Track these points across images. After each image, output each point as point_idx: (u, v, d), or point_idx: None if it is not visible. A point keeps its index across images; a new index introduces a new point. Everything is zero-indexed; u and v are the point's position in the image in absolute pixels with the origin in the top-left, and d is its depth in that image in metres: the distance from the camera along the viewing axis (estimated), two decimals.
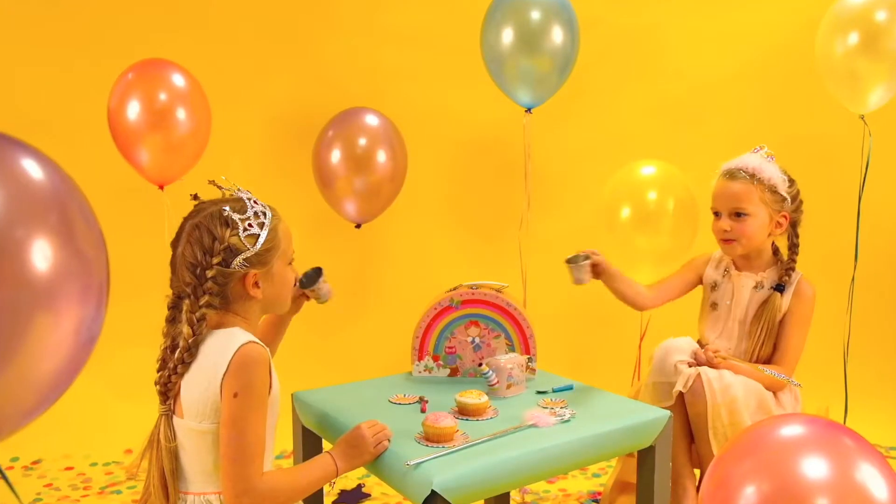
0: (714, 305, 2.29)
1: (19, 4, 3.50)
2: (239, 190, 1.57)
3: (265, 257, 1.53)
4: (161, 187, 3.00)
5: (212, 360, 1.46)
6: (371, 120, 3.21)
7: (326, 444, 1.97)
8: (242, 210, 1.52)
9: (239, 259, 1.50)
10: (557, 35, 2.91)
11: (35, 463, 3.23)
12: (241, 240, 1.50)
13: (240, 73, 3.61)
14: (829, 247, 3.27)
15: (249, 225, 1.51)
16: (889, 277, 3.72)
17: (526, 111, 3.06)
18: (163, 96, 2.87)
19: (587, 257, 2.11)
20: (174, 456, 1.51)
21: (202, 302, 1.48)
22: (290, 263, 1.62)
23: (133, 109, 2.84)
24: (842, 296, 3.03)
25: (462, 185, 3.82)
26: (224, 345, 1.46)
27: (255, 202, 1.55)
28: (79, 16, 3.51)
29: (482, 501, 2.39)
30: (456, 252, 3.76)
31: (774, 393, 2.13)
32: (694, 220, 2.83)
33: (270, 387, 1.50)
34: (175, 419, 1.51)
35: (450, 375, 2.15)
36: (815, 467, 0.94)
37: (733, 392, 2.00)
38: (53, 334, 1.08)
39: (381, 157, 3.16)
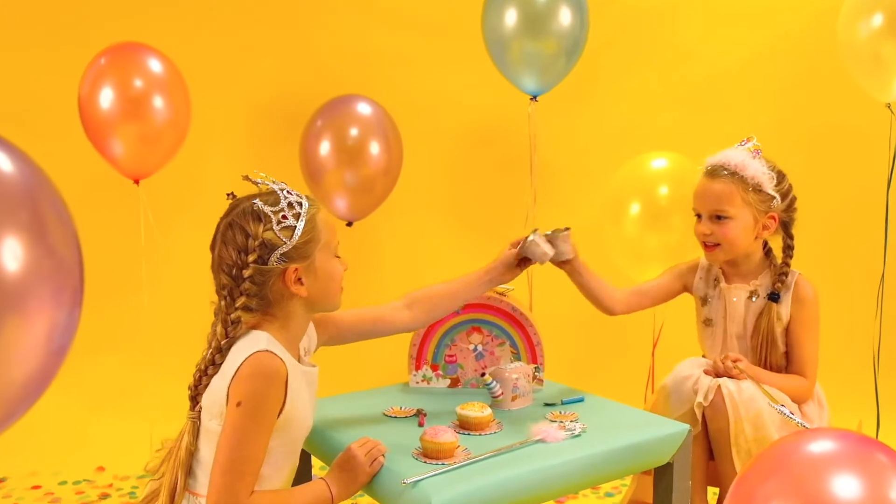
0: (708, 321, 2.26)
1: None
2: (273, 182, 1.58)
3: (305, 250, 1.54)
4: (136, 182, 3.00)
5: (231, 360, 1.50)
6: (363, 108, 3.21)
7: (315, 461, 1.98)
8: (275, 202, 1.54)
9: (276, 254, 1.52)
10: (565, 16, 2.91)
11: (0, 481, 3.23)
12: (275, 234, 1.51)
13: (221, 57, 3.60)
14: (855, 246, 3.28)
15: (283, 217, 1.53)
16: None
17: (531, 99, 3.07)
18: (138, 83, 2.87)
19: (567, 229, 2.09)
20: (190, 463, 1.54)
21: (238, 304, 1.51)
22: (336, 255, 1.63)
23: (106, 97, 2.83)
24: (870, 299, 3.03)
25: (462, 179, 3.82)
26: (243, 348, 1.50)
27: (288, 192, 1.57)
28: None
29: None
30: (456, 252, 3.75)
31: (799, 405, 2.13)
32: None
33: (282, 408, 1.50)
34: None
35: (450, 386, 2.16)
36: (846, 486, 0.94)
37: (757, 405, 1.99)
38: (23, 340, 1.08)
39: (375, 148, 3.16)
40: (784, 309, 2.15)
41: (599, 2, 3.15)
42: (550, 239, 2.05)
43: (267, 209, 1.52)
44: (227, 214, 1.56)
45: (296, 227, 1.53)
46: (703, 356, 2.30)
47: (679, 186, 2.82)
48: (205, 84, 3.32)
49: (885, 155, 2.96)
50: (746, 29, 3.65)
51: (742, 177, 2.09)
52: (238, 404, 1.44)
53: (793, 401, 2.09)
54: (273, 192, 1.56)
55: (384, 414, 1.94)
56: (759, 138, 2.23)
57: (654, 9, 3.68)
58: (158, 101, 2.89)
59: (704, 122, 3.61)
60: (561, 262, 2.15)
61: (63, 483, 3.23)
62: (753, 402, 1.99)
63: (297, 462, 1.64)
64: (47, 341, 1.13)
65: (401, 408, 1.97)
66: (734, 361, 2.05)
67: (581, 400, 2.02)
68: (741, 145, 2.15)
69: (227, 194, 1.60)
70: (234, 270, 1.51)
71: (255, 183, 1.59)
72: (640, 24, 3.68)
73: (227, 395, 1.46)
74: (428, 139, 3.67)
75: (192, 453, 1.54)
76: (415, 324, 1.93)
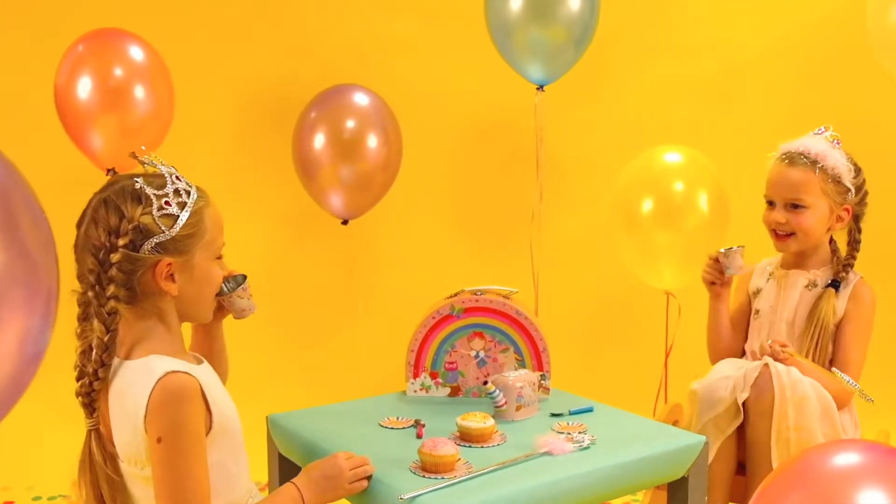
0: (756, 313, 2.30)
1: None
2: (162, 164, 1.52)
3: (183, 245, 1.47)
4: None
5: (131, 401, 1.42)
6: (360, 99, 3.21)
7: None
8: (160, 185, 1.47)
9: (151, 243, 1.44)
10: (574, 1, 2.91)
11: None
12: (154, 220, 1.45)
13: (207, 44, 3.60)
14: (889, 246, 3.27)
15: (167, 203, 1.46)
16: None
17: (537, 89, 3.07)
18: (118, 72, 2.87)
19: (741, 246, 2.21)
20: (111, 481, 1.47)
21: (109, 293, 1.43)
22: (218, 258, 1.57)
23: (84, 87, 2.84)
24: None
25: (465, 174, 3.82)
26: (140, 380, 1.43)
27: (177, 178, 1.51)
28: None
29: None
30: (457, 252, 3.76)
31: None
32: (724, 214, 2.83)
33: (211, 419, 1.46)
34: (119, 461, 1.49)
35: (450, 395, 2.15)
36: (873, 501, 0.94)
37: (803, 389, 2.00)
38: None
39: (373, 142, 3.16)
40: (840, 303, 2.18)
41: None
42: (727, 254, 2.20)
43: (150, 191, 1.45)
44: (102, 190, 1.49)
45: (178, 216, 1.47)
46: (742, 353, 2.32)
47: (694, 182, 2.81)
48: (189, 72, 3.32)
49: None
50: (766, 15, 3.64)
51: (823, 166, 2.13)
52: (159, 440, 1.38)
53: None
54: (160, 175, 1.49)
55: (380, 425, 1.94)
56: (780, 132, 2.24)
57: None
58: (140, 91, 2.89)
59: (721, 114, 3.61)
60: (722, 283, 2.27)
61: (37, 498, 3.23)
62: (800, 385, 2.00)
63: (247, 457, 1.60)
64: (20, 349, 1.12)
65: (398, 418, 1.97)
66: (782, 346, 2.08)
67: (590, 410, 2.02)
68: (818, 133, 2.19)
69: (107, 170, 1.55)
70: (101, 253, 1.43)
71: (142, 162, 1.53)
72: (654, 11, 3.67)
73: (146, 432, 1.41)
74: (429, 132, 3.67)
75: (104, 467, 1.47)
76: None
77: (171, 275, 1.47)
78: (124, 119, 2.87)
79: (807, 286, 2.22)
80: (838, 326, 2.18)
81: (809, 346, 2.18)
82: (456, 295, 2.16)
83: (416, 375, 2.15)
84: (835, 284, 2.19)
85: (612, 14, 3.18)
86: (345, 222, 3.30)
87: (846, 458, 1.03)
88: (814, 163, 2.14)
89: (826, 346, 2.18)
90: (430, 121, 3.69)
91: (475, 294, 2.14)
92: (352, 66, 3.57)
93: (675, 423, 2.33)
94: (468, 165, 3.82)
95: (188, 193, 1.50)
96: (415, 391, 2.16)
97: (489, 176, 3.79)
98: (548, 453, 1.71)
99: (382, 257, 3.78)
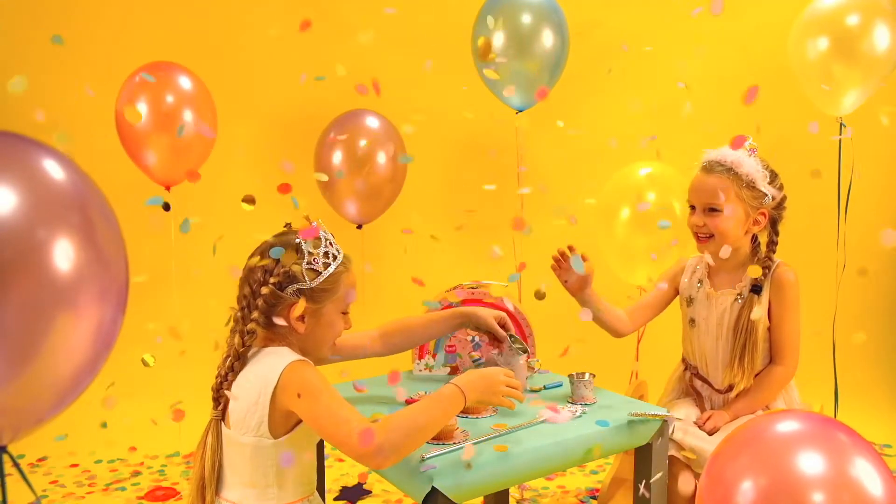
0: (692, 322, 2.17)
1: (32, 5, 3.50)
2: (325, 231, 1.60)
3: (318, 296, 1.55)
4: (167, 188, 2.99)
5: (262, 376, 1.48)
6: (371, 122, 3.21)
7: (327, 444, 1.97)
8: (315, 246, 1.56)
9: (293, 287, 1.53)
10: (548, 38, 2.93)
11: (41, 460, 3.22)
12: (302, 270, 1.53)
13: (244, 74, 3.60)
14: (813, 242, 3.28)
15: (315, 261, 1.55)
16: (874, 277, 3.73)
17: (516, 113, 3.07)
18: (170, 98, 2.87)
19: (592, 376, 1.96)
20: (217, 461, 1.53)
21: (252, 316, 1.53)
22: (343, 313, 1.62)
23: (141, 111, 2.84)
24: (828, 296, 3.03)
25: (458, 184, 3.82)
26: (274, 361, 1.49)
27: (331, 244, 1.59)
28: (87, 21, 3.50)
29: (482, 498, 2.38)
30: (454, 251, 3.75)
31: (768, 406, 2.08)
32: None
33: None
34: (223, 428, 1.53)
35: (450, 374, 2.15)
36: (810, 462, 0.94)
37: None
38: (75, 334, 1.07)
39: (381, 158, 3.16)
40: (763, 300, 2.04)
41: (579, 26, 3.15)
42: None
43: (305, 248, 1.55)
44: (274, 237, 1.59)
45: (321, 273, 1.55)
46: (684, 359, 2.27)
47: (664, 193, 2.80)
48: (229, 98, 3.31)
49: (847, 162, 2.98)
50: (707, 50, 3.64)
51: (737, 173, 2.00)
52: (299, 395, 1.42)
53: (779, 394, 2.08)
54: (318, 238, 1.58)
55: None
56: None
57: (627, 36, 3.67)
58: (188, 115, 2.89)
59: (673, 135, 3.60)
60: (573, 283, 2.11)
61: (98, 462, 3.23)
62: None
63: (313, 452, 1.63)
64: (96, 336, 1.11)
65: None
66: (706, 421, 2.02)
67: (560, 385, 2.02)
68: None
69: (285, 224, 1.63)
70: (255, 285, 1.53)
71: (312, 224, 1.60)
72: (613, 50, 3.66)
73: (271, 406, 1.45)
74: (428, 149, 3.67)
75: (215, 455, 1.53)
76: (385, 353, 1.94)
77: (303, 317, 1.54)
78: (174, 138, 2.87)
79: (735, 300, 2.07)
80: (770, 315, 2.05)
81: (741, 353, 2.05)
82: (454, 289, 2.15)
83: (421, 357, 2.15)
84: (756, 290, 2.04)
85: (580, 52, 3.18)
86: (359, 226, 3.29)
87: (786, 426, 1.03)
88: (728, 170, 2.00)
89: (758, 346, 2.04)
90: (430, 140, 3.69)
91: (470, 288, 2.14)
92: (364, 95, 3.56)
93: (640, 398, 2.32)
94: (461, 177, 3.82)
95: (334, 258, 1.58)
96: (420, 370, 2.15)
97: (478, 186, 3.79)
98: (545, 421, 1.71)
99: (391, 257, 3.78)
